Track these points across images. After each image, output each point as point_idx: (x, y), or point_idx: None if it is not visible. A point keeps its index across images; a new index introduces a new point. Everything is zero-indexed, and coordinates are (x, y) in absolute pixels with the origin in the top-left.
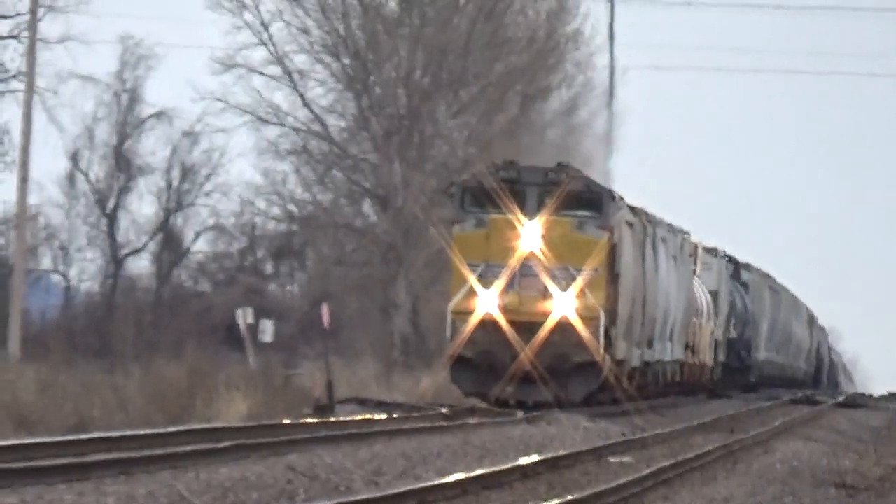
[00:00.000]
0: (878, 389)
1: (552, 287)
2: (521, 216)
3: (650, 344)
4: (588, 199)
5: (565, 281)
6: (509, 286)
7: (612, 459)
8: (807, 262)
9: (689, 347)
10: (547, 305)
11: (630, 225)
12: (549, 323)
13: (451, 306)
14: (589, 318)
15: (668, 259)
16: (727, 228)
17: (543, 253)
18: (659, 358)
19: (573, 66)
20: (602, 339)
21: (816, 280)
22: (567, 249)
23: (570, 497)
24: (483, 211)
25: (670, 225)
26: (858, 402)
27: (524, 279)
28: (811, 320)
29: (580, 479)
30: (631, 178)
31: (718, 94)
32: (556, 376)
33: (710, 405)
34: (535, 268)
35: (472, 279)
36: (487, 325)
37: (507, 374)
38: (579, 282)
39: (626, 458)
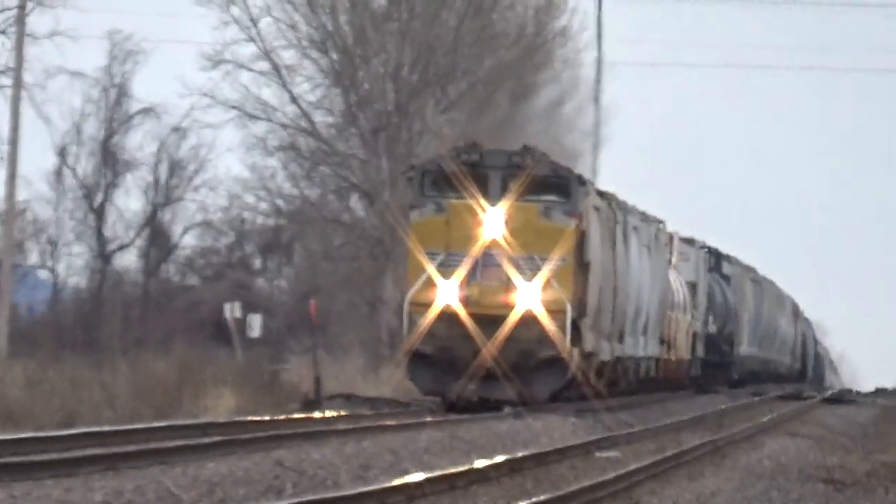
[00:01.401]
0: (866, 385)
1: (516, 277)
2: (483, 202)
3: (621, 338)
4: (554, 184)
5: (530, 271)
6: (471, 276)
7: (599, 455)
8: (793, 255)
9: (665, 342)
10: (510, 297)
11: (600, 211)
12: (513, 316)
13: (408, 297)
14: (555, 311)
15: (641, 248)
16: (714, 221)
17: (507, 241)
18: (631, 353)
19: (561, 63)
20: (569, 334)
21: (802, 273)
22: (532, 237)
23: (559, 493)
24: (443, 196)
25: (644, 213)
26: (845, 397)
27: (486, 269)
28: (796, 313)
29: (567, 474)
30: (618, 172)
31: (705, 90)
32: (520, 373)
33: (697, 401)
34: (498, 257)
35: (431, 269)
36: (447, 318)
37: (469, 371)
38: (545, 272)
39: (614, 454)
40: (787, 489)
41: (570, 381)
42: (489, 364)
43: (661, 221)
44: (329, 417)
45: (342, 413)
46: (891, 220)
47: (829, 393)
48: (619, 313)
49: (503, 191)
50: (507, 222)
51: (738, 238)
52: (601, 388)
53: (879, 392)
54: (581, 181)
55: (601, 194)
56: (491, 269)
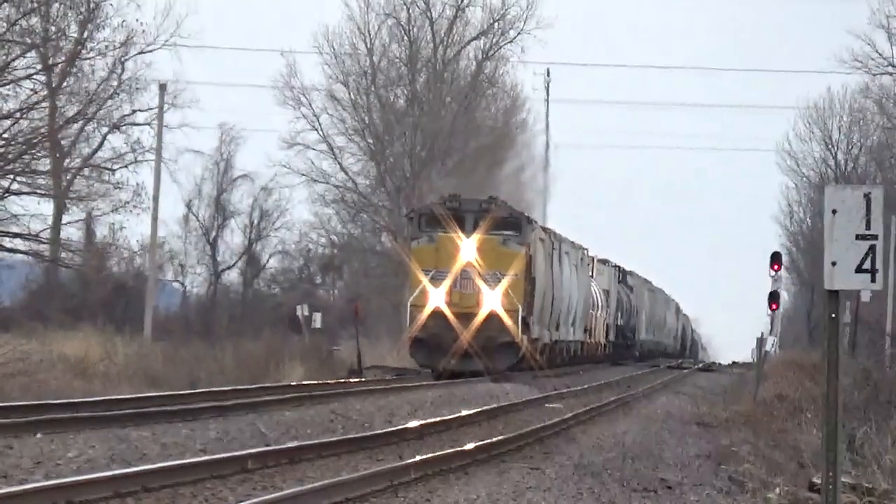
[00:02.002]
0: (725, 359)
1: (484, 287)
2: (461, 235)
3: (557, 327)
4: (510, 223)
5: (494, 283)
6: (453, 286)
7: (548, 406)
8: (679, 271)
9: (587, 331)
10: (480, 301)
11: (542, 241)
12: (482, 314)
13: (409, 301)
14: (511, 311)
15: (571, 267)
16: (624, 248)
17: (478, 262)
18: (564, 338)
19: (521, 145)
20: (520, 326)
21: (685, 283)
22: (495, 259)
23: (524, 430)
24: (434, 231)
25: (573, 242)
26: (712, 368)
27: (463, 281)
28: (678, 310)
29: (527, 419)
30: (560, 216)
31: (620, 162)
32: (486, 352)
33: (613, 370)
34: (472, 273)
35: (425, 281)
36: (436, 315)
37: (451, 352)
38: (504, 283)
39: (558, 405)
40: (674, 429)
41: (521, 358)
42: (465, 346)
43: (585, 248)
44: (367, 381)
45: (376, 378)
46: (743, 251)
47: (700, 364)
48: (555, 311)
49: (475, 227)
50: (478, 249)
51: (641, 260)
52: (543, 362)
53: (734, 364)
54: (529, 221)
55: (545, 229)
56: (467, 282)
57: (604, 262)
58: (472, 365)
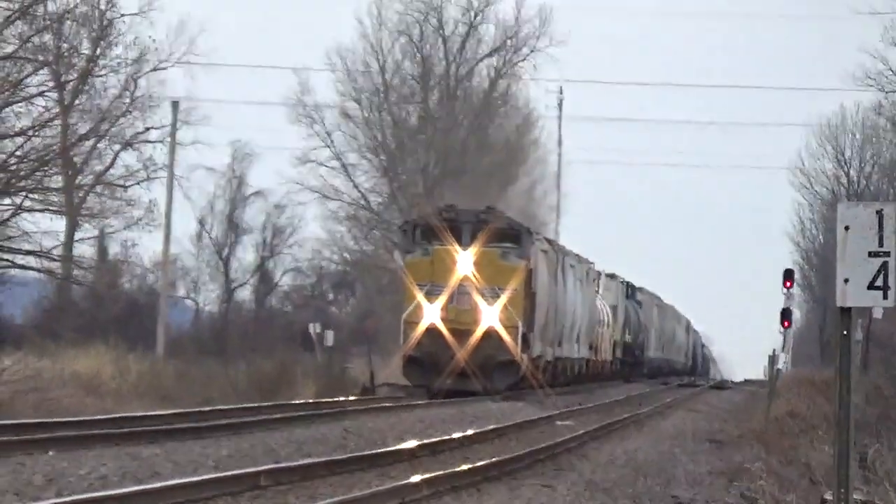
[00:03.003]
0: (737, 377)
1: (482, 303)
2: (458, 247)
3: (560, 343)
4: (510, 235)
5: (492, 298)
6: (449, 301)
7: (559, 423)
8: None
9: (593, 348)
10: (478, 317)
11: (545, 253)
12: (480, 331)
13: (403, 317)
14: (510, 327)
15: (575, 281)
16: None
17: (475, 276)
18: (567, 355)
19: (534, 161)
20: (520, 343)
21: (701, 302)
22: (493, 273)
23: (532, 448)
24: (429, 243)
25: (577, 255)
26: (724, 385)
27: (460, 296)
28: (689, 327)
29: (538, 436)
30: (573, 232)
31: (631, 179)
32: (484, 371)
33: (624, 387)
34: (469, 288)
35: (420, 296)
36: (432, 331)
37: (447, 371)
38: (503, 299)
39: (569, 422)
40: (685, 446)
41: (522, 378)
42: (461, 365)
43: (591, 262)
44: (379, 398)
45: (388, 396)
46: (756, 268)
47: (712, 382)
48: (558, 326)
49: (472, 239)
50: (475, 262)
51: (653, 277)
52: (545, 380)
53: (747, 381)
54: (529, 232)
55: (548, 241)
56: (463, 297)
57: (611, 276)
58: (469, 385)
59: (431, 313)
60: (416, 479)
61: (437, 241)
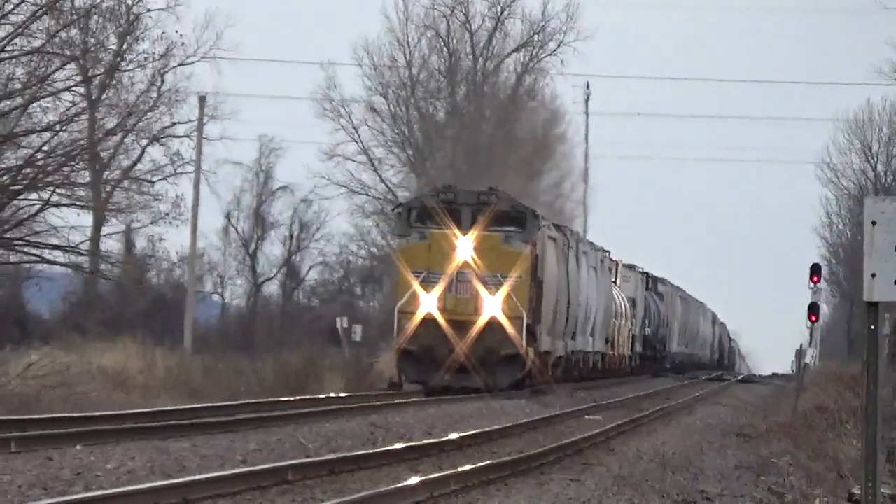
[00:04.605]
0: (765, 370)
1: (483, 291)
2: (457, 231)
3: (574, 336)
4: (514, 217)
5: (494, 286)
6: (447, 290)
7: (587, 417)
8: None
9: (609, 342)
10: (479, 307)
11: (553, 240)
12: (481, 322)
13: (397, 306)
14: (514, 318)
15: (589, 270)
16: (666, 258)
17: (476, 262)
18: (581, 349)
19: (561, 156)
20: (525, 335)
21: (728, 296)
22: (495, 259)
23: (563, 441)
24: (425, 227)
25: (591, 243)
26: (752, 379)
27: (459, 284)
28: (714, 320)
29: (566, 431)
30: (601, 226)
31: (657, 174)
32: (486, 366)
33: (652, 382)
34: (469, 275)
35: (416, 284)
36: (429, 323)
37: (445, 365)
38: (506, 287)
39: (597, 417)
40: (713, 440)
41: (528, 373)
42: (461, 359)
43: (606, 250)
44: (406, 393)
45: (415, 390)
46: (783, 263)
47: (740, 376)
48: (571, 318)
49: (473, 223)
50: (475, 248)
51: (681, 271)
52: (556, 376)
53: (774, 375)
54: (535, 215)
55: (557, 227)
56: (463, 285)
57: (630, 267)
58: (470, 381)
59: (428, 303)
60: (444, 473)
61: (434, 225)
